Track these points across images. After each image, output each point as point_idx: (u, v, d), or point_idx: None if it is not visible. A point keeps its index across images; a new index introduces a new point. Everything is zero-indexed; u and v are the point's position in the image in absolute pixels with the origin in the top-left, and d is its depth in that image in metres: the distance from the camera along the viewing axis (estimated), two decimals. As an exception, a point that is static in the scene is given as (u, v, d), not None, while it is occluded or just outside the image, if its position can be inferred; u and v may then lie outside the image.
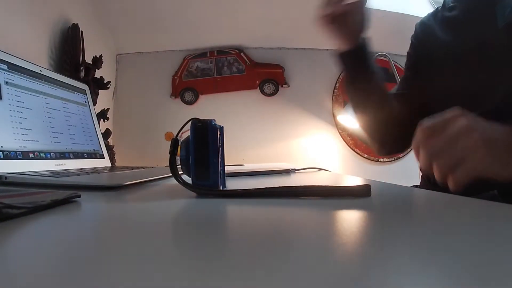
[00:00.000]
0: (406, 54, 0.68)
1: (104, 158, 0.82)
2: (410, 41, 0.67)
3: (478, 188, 0.41)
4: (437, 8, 0.63)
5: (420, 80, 0.62)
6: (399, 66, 1.76)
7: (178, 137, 0.38)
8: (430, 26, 0.62)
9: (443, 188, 0.37)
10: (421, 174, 0.64)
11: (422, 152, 0.37)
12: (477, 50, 0.51)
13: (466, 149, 0.35)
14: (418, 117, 0.62)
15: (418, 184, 0.68)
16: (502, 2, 0.48)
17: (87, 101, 0.84)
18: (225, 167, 0.40)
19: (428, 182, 0.60)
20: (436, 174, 0.37)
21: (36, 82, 0.66)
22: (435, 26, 0.60)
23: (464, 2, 0.56)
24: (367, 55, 0.60)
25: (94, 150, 0.79)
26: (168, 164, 0.37)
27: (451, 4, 0.59)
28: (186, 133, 0.38)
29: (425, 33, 0.63)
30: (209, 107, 2.01)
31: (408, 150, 0.70)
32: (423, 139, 0.37)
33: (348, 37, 0.57)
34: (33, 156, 0.57)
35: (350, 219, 0.25)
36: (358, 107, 0.66)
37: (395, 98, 0.65)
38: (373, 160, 2.09)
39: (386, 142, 0.68)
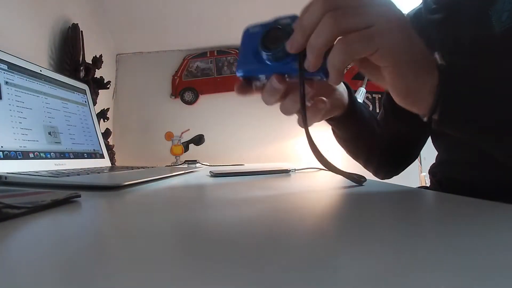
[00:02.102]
0: None
1: (104, 158, 0.82)
2: None
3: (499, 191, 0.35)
4: (420, 7, 0.59)
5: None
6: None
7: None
8: (418, 24, 0.57)
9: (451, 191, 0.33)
10: (429, 177, 0.61)
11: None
12: (471, 52, 0.47)
13: (377, 15, 0.25)
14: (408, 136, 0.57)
15: (422, 185, 0.67)
16: (496, 5, 0.45)
17: (87, 101, 0.84)
18: (225, 167, 0.40)
19: (438, 185, 0.56)
20: (317, 38, 0.27)
21: (36, 82, 0.66)
22: (421, 26, 0.56)
23: (450, 4, 0.53)
24: (357, 110, 0.53)
25: (94, 150, 0.79)
26: (168, 165, 0.37)
27: (434, 6, 0.55)
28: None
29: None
30: (209, 107, 2.01)
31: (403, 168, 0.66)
32: None
33: (333, 111, 0.52)
34: (33, 156, 0.57)
35: (350, 219, 0.25)
36: (349, 150, 0.62)
37: (382, 125, 0.60)
38: (373, 160, 2.09)
39: (380, 166, 0.65)
